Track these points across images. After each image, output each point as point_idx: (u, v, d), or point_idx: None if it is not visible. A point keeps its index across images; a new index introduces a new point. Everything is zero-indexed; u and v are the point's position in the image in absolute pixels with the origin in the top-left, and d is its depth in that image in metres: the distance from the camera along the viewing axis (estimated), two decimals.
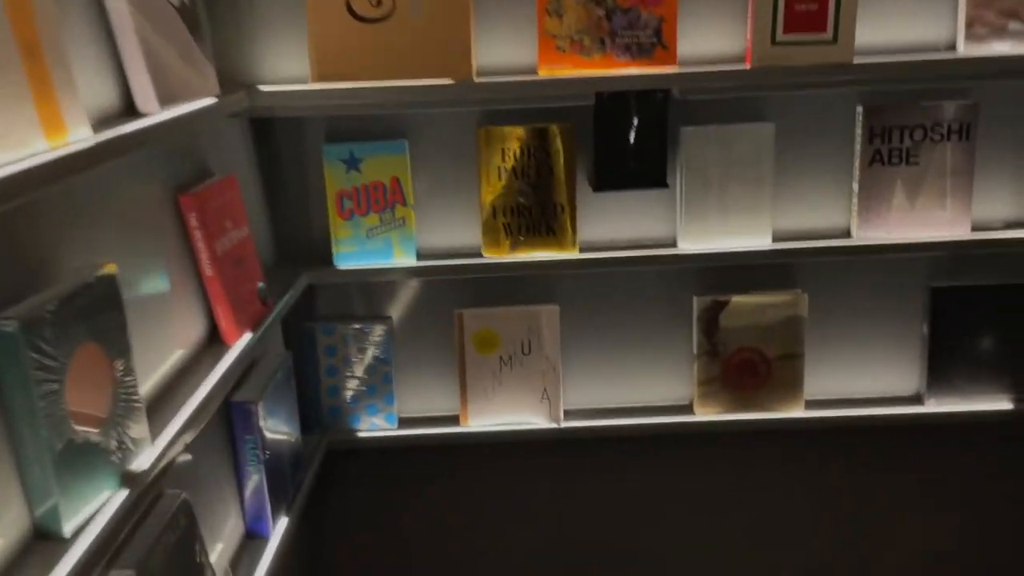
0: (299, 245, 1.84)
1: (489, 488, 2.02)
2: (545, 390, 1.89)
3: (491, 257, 1.81)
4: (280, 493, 1.63)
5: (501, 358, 1.88)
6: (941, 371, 1.90)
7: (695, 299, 1.87)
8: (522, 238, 1.80)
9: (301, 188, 1.82)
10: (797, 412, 1.91)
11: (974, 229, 1.81)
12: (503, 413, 1.90)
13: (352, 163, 1.76)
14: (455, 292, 1.88)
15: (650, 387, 1.95)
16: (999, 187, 1.84)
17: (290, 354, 1.77)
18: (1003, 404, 1.90)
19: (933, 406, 1.92)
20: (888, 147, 1.78)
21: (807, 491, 2.03)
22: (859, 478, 2.02)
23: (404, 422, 1.93)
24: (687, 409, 1.93)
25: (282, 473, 1.65)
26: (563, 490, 2.03)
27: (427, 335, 1.92)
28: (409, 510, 2.03)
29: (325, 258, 1.80)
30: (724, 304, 1.87)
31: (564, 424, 1.90)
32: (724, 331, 1.88)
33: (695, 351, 1.90)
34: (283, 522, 1.63)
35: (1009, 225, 1.85)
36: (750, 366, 1.90)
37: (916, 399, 1.94)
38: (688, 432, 1.91)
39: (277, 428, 1.62)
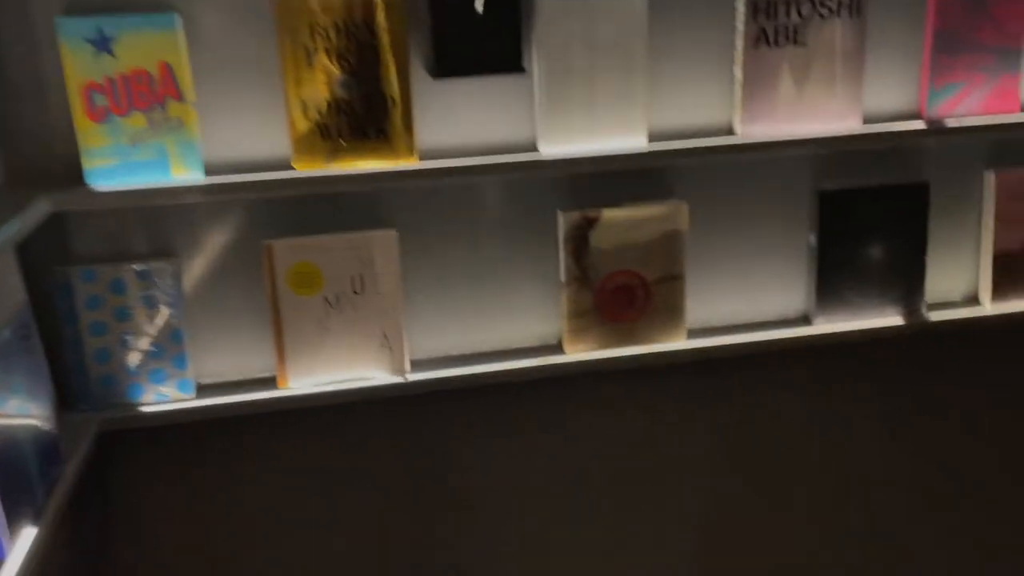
0: (34, 158, 1.38)
1: (320, 463, 1.67)
2: (385, 336, 1.56)
3: (305, 170, 1.44)
4: (20, 498, 1.20)
5: (326, 299, 1.52)
6: (830, 286, 1.72)
7: (560, 215, 1.58)
8: (344, 144, 1.43)
9: (31, 78, 1.35)
10: (679, 343, 1.68)
11: (865, 122, 1.62)
12: (333, 368, 1.55)
13: (102, 44, 1.32)
14: (261, 218, 1.51)
15: (512, 325, 1.67)
16: (888, 73, 1.66)
17: (29, 308, 1.31)
18: (895, 319, 1.75)
19: (822, 325, 1.74)
20: (774, 24, 1.54)
21: (695, 427, 1.83)
22: (749, 408, 1.83)
23: (204, 389, 1.55)
24: (556, 348, 1.66)
25: (23, 470, 1.21)
26: (414, 455, 1.72)
27: (228, 276, 1.53)
28: (216, 499, 1.65)
29: (74, 176, 1.35)
30: (594, 220, 1.59)
31: (411, 376, 1.59)
32: (596, 252, 1.60)
33: (563, 278, 1.61)
34: (28, 536, 1.20)
35: (897, 117, 1.67)
36: (627, 293, 1.64)
37: (804, 319, 1.76)
38: (559, 375, 1.65)
39: (10, 409, 1.18)
